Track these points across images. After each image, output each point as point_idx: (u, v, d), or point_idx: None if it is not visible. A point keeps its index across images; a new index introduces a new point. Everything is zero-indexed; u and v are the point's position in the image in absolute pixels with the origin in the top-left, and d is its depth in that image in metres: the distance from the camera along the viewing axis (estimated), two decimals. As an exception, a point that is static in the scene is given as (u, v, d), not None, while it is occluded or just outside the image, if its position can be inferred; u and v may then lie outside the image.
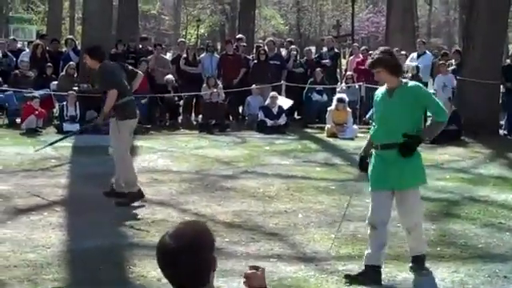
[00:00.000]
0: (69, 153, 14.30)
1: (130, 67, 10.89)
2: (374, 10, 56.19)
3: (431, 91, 19.47)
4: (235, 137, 17.19)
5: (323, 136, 17.51)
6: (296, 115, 20.95)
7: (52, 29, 33.54)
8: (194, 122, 19.50)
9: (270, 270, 6.92)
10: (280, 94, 19.51)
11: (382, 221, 6.94)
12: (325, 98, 19.82)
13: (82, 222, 8.95)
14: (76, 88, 18.27)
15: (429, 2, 65.59)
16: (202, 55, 21.34)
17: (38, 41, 22.15)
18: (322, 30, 58.54)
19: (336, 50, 22.83)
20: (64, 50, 21.45)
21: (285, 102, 18.87)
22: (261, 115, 18.29)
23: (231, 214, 9.44)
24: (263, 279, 3.59)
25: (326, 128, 17.82)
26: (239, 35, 24.66)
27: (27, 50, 21.84)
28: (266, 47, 21.13)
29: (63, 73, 19.14)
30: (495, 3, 18.01)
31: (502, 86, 18.41)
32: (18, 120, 17.84)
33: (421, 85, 7.13)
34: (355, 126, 18.06)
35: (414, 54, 21.36)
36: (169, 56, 23.42)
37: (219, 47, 36.27)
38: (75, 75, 19.12)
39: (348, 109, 18.09)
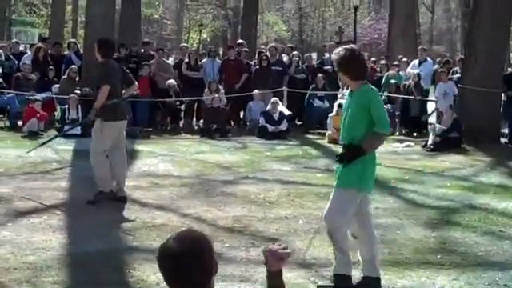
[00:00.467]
0: (69, 156, 14.31)
1: (130, 74, 10.90)
2: (376, 16, 56.16)
3: (433, 98, 19.67)
4: (236, 142, 17.20)
5: (324, 142, 17.52)
6: (297, 121, 20.96)
7: (54, 32, 33.61)
8: (196, 127, 19.52)
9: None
10: (282, 99, 19.53)
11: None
12: (326, 104, 19.84)
13: (82, 225, 8.96)
14: (78, 91, 18.30)
15: (431, 10, 65.63)
16: (204, 60, 21.40)
17: (40, 44, 22.18)
18: (324, 37, 58.49)
19: (338, 57, 22.80)
20: (66, 53, 21.47)
21: (284, 111, 18.87)
22: (262, 121, 18.30)
23: (232, 219, 9.44)
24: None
25: (327, 134, 17.83)
26: (240, 40, 24.70)
27: (29, 53, 21.87)
28: (267, 53, 21.15)
29: (65, 76, 19.17)
30: (498, 11, 18.00)
31: (503, 95, 18.39)
32: (20, 123, 17.86)
33: (376, 91, 6.85)
34: (356, 133, 18.02)
35: (416, 61, 21.37)
36: (171, 60, 23.41)
37: (221, 52, 36.27)
38: (77, 78, 19.15)
39: (349, 115, 18.05)
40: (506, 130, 18.27)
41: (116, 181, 10.28)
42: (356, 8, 37.81)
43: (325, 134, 17.99)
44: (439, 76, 19.84)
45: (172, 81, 19.48)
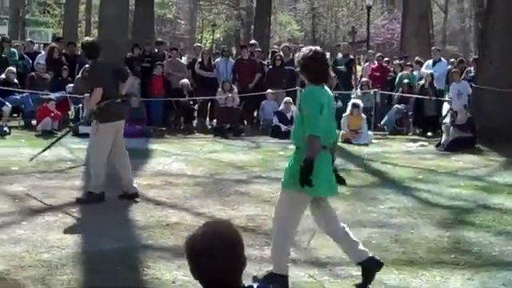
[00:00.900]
0: (84, 155, 14.34)
1: (125, 68, 10.90)
2: (389, 16, 56.11)
3: (447, 98, 19.62)
4: (249, 141, 17.21)
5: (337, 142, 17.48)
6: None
7: (68, 32, 33.72)
8: (209, 126, 19.55)
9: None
10: (295, 99, 19.51)
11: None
12: (339, 104, 19.81)
13: (97, 223, 8.99)
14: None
15: (444, 10, 65.47)
16: (218, 60, 21.43)
17: (54, 44, 22.26)
18: (337, 37, 58.48)
19: (351, 57, 22.82)
20: (80, 52, 21.52)
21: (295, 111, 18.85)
22: (275, 120, 18.32)
23: (245, 218, 9.45)
24: None
25: (340, 133, 17.80)
26: (252, 41, 24.71)
27: (43, 53, 21.95)
28: (281, 52, 21.17)
29: (79, 75, 19.22)
30: (512, 11, 17.96)
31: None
32: (34, 122, 17.93)
33: (312, 92, 6.55)
34: (370, 132, 18.08)
35: (430, 62, 21.31)
36: (184, 60, 23.47)
37: (234, 52, 36.30)
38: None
39: (363, 115, 18.10)
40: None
41: (125, 181, 10.30)
42: (369, 8, 37.77)
43: (338, 134, 17.96)
44: (453, 76, 19.80)
45: (185, 80, 19.51)
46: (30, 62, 20.95)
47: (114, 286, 6.76)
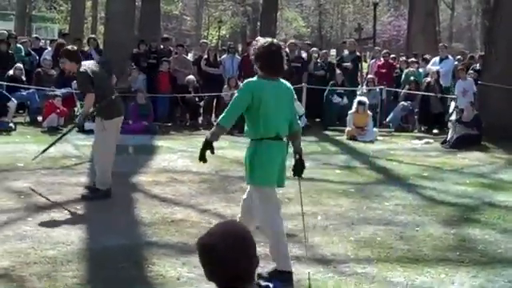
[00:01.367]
0: (89, 151, 14.35)
1: (107, 61, 10.94)
2: (395, 13, 56.07)
3: (453, 95, 19.60)
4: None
5: (343, 138, 17.51)
6: (316, 118, 20.95)
7: (74, 28, 33.65)
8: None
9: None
10: (301, 96, 19.51)
11: None
12: (345, 100, 19.82)
13: (102, 220, 9.00)
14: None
15: (451, 7, 65.36)
16: (224, 56, 21.43)
17: (61, 40, 22.26)
18: (344, 33, 58.48)
19: (357, 54, 22.81)
20: (86, 49, 21.54)
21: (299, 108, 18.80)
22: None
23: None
24: None
25: (346, 130, 17.81)
26: (259, 37, 24.66)
27: (49, 49, 21.96)
28: (287, 49, 21.15)
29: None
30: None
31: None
32: (40, 118, 17.95)
33: (247, 85, 6.71)
34: (375, 129, 18.06)
35: (437, 59, 21.26)
36: (190, 56, 23.48)
37: (240, 49, 36.29)
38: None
39: (368, 112, 18.08)
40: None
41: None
42: (375, 5, 37.76)
43: (344, 131, 17.98)
44: (458, 73, 19.77)
45: (191, 77, 19.52)
46: (37, 57, 20.97)
47: (118, 282, 6.77)
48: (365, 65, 27.88)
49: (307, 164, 13.39)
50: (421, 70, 21.30)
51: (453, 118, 18.06)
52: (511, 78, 17.55)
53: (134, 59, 20.04)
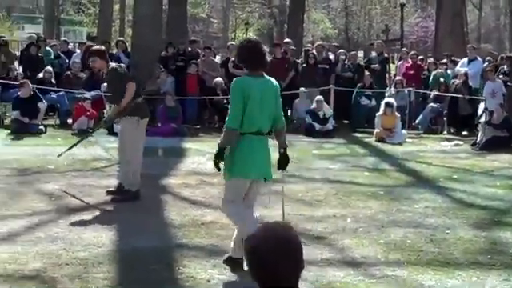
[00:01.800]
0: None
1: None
2: (423, 14, 55.78)
3: (481, 97, 19.48)
4: (283, 140, 17.18)
5: (371, 141, 17.48)
6: (344, 119, 20.93)
7: (102, 31, 33.89)
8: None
9: (319, 274, 6.96)
10: (329, 98, 19.50)
11: None
12: (373, 102, 19.78)
13: (133, 221, 9.04)
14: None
15: (478, 7, 64.98)
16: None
17: (90, 42, 22.42)
18: (371, 35, 58.24)
19: (385, 55, 22.75)
20: (114, 51, 21.66)
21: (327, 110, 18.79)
22: (308, 119, 18.30)
23: (279, 217, 9.42)
24: None
25: (374, 132, 17.77)
26: (287, 39, 24.68)
27: (78, 52, 22.11)
28: (314, 51, 21.15)
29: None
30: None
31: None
32: (70, 120, 18.09)
33: (236, 83, 6.97)
34: (404, 131, 18.00)
35: (465, 60, 21.14)
36: (218, 59, 23.52)
37: (267, 50, 36.27)
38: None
39: (397, 113, 18.02)
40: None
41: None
42: (403, 6, 37.63)
43: (372, 133, 17.94)
44: (487, 75, 19.63)
45: (219, 79, 19.55)
46: (67, 60, 21.13)
47: (149, 284, 6.80)
48: (392, 66, 27.80)
49: (336, 166, 13.46)
50: (449, 71, 21.18)
51: (482, 119, 17.95)
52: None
53: (162, 62, 20.12)
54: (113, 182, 11.02)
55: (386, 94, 20.65)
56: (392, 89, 21.31)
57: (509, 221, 9.58)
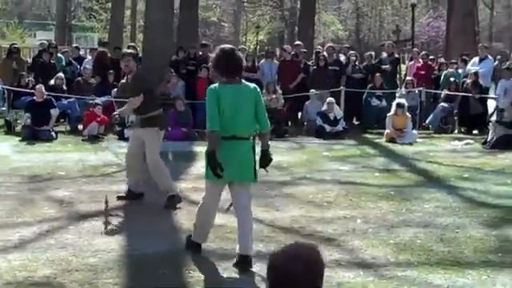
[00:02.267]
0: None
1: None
2: (434, 14, 55.69)
3: (493, 95, 19.42)
4: (294, 142, 17.21)
5: (382, 141, 17.46)
6: (355, 120, 20.92)
7: (114, 37, 33.96)
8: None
9: (329, 274, 6.93)
10: (339, 99, 19.49)
11: None
12: (384, 103, 19.75)
13: (142, 227, 9.05)
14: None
15: (490, 7, 64.76)
16: (262, 61, 21.46)
17: (102, 48, 22.48)
18: (382, 36, 58.22)
19: (396, 56, 22.71)
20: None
21: (337, 112, 18.78)
22: (319, 121, 18.30)
23: (290, 219, 9.46)
24: None
25: (385, 133, 17.75)
26: (297, 41, 24.68)
27: (89, 58, 22.18)
28: (325, 53, 21.14)
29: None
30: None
31: None
32: (80, 126, 18.14)
33: (209, 91, 7.25)
34: (415, 131, 17.97)
35: (476, 59, 21.06)
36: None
37: (278, 53, 36.35)
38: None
39: (407, 114, 17.99)
40: None
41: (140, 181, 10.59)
42: (413, 6, 37.41)
43: (383, 133, 17.92)
44: (501, 73, 19.53)
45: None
46: (78, 67, 21.19)
47: (159, 288, 6.83)
48: (403, 66, 27.74)
49: (346, 167, 13.45)
50: (460, 70, 21.11)
51: (493, 118, 17.89)
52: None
53: (172, 66, 20.15)
54: (123, 188, 11.05)
55: (397, 95, 20.62)
56: (403, 89, 21.27)
57: (520, 219, 9.55)
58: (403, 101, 18.48)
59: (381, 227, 9.05)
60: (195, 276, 7.11)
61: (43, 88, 17.68)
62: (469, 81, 19.68)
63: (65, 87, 19.36)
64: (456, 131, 19.49)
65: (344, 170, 13.41)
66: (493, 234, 8.74)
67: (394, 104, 18.31)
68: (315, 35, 40.54)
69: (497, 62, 21.51)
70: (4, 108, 19.54)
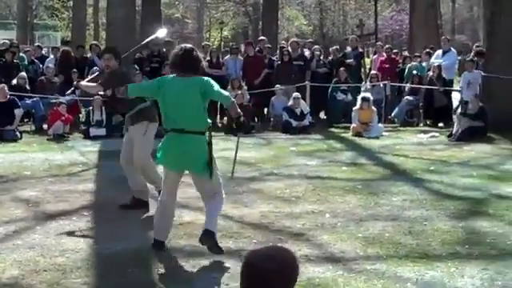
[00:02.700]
0: (96, 158, 14.40)
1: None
2: (397, 8, 56.01)
3: (457, 88, 19.57)
4: (260, 138, 17.20)
5: (348, 135, 17.52)
6: (321, 115, 20.97)
7: (76, 35, 33.77)
8: (219, 125, 19.46)
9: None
10: (305, 94, 19.52)
11: None
12: (349, 97, 19.82)
13: (110, 225, 9.00)
14: (101, 93, 18.36)
15: (452, -1, 65.26)
16: (226, 57, 21.43)
17: (66, 47, 22.33)
18: (346, 30, 58.48)
19: (360, 50, 22.79)
20: (89, 55, 21.57)
21: (304, 109, 18.80)
22: (285, 116, 18.32)
23: (258, 215, 9.45)
24: None
25: (351, 127, 17.82)
26: (261, 37, 24.69)
27: (52, 57, 22.00)
28: (289, 48, 21.15)
29: (88, 78, 19.20)
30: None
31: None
32: (45, 126, 17.98)
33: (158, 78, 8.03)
34: (380, 125, 18.06)
35: (440, 52, 21.20)
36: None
37: (242, 49, 36.33)
38: (99, 81, 19.18)
39: (373, 108, 18.07)
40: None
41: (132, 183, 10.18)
42: (376, 0, 37.69)
43: (349, 128, 17.98)
44: (464, 65, 19.69)
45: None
46: (41, 66, 21.01)
47: (128, 287, 6.78)
48: (367, 60, 27.86)
49: (313, 162, 13.48)
50: (424, 64, 21.24)
51: (458, 111, 18.04)
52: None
53: (136, 64, 20.04)
54: (90, 187, 10.94)
55: (362, 89, 20.68)
56: (368, 83, 21.35)
57: (486, 210, 9.63)
58: (368, 95, 18.57)
59: (349, 221, 9.07)
60: (164, 274, 7.08)
61: (6, 88, 17.50)
62: (431, 73, 19.81)
63: (28, 87, 19.18)
64: (421, 124, 19.61)
65: (311, 164, 13.44)
66: (460, 226, 8.80)
67: (359, 98, 18.39)
68: (279, 30, 40.60)
69: (460, 56, 21.65)
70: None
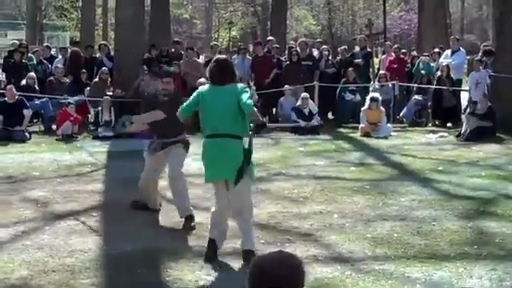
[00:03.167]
0: (104, 158, 14.42)
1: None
2: (405, 7, 55.82)
3: (466, 88, 19.53)
4: (269, 138, 17.18)
5: (357, 135, 17.50)
6: (330, 115, 20.95)
7: (85, 35, 33.77)
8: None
9: (306, 270, 6.91)
10: (313, 94, 19.50)
11: None
12: (358, 97, 19.79)
13: (119, 226, 9.01)
14: (110, 93, 18.43)
15: (461, -2, 65.09)
16: (234, 57, 21.41)
17: (75, 48, 22.36)
18: (354, 30, 58.32)
19: (368, 49, 22.76)
20: (98, 55, 21.60)
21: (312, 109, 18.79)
22: (293, 116, 18.31)
23: (266, 215, 9.45)
24: None
25: (359, 127, 17.80)
26: (270, 37, 24.68)
27: (60, 57, 22.04)
28: (297, 48, 21.13)
29: (96, 79, 19.28)
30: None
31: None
32: (54, 126, 18.02)
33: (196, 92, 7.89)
34: (389, 125, 18.04)
35: (448, 51, 21.15)
36: (202, 59, 23.48)
37: (251, 49, 36.34)
38: (109, 80, 19.26)
39: (381, 108, 18.05)
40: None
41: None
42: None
43: (357, 128, 17.96)
44: (472, 65, 19.65)
45: (203, 79, 19.38)
46: (49, 66, 21.04)
47: (136, 287, 6.79)
48: (376, 60, 27.82)
49: (321, 162, 13.48)
50: (432, 64, 21.18)
51: (467, 110, 18.00)
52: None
53: (145, 64, 20.05)
54: (99, 187, 10.94)
55: (371, 89, 20.67)
56: (376, 83, 21.32)
57: (494, 210, 9.61)
58: (377, 95, 18.54)
59: (357, 221, 9.07)
60: (173, 274, 7.10)
61: (14, 88, 17.53)
62: (439, 73, 19.77)
63: (37, 87, 19.22)
64: (430, 124, 19.57)
65: (319, 165, 13.43)
66: (468, 226, 8.80)
67: (367, 98, 18.37)
68: (288, 30, 40.50)
69: (469, 56, 21.59)
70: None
